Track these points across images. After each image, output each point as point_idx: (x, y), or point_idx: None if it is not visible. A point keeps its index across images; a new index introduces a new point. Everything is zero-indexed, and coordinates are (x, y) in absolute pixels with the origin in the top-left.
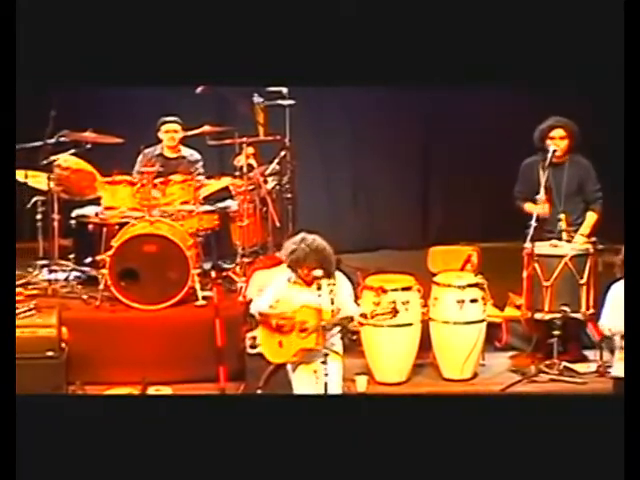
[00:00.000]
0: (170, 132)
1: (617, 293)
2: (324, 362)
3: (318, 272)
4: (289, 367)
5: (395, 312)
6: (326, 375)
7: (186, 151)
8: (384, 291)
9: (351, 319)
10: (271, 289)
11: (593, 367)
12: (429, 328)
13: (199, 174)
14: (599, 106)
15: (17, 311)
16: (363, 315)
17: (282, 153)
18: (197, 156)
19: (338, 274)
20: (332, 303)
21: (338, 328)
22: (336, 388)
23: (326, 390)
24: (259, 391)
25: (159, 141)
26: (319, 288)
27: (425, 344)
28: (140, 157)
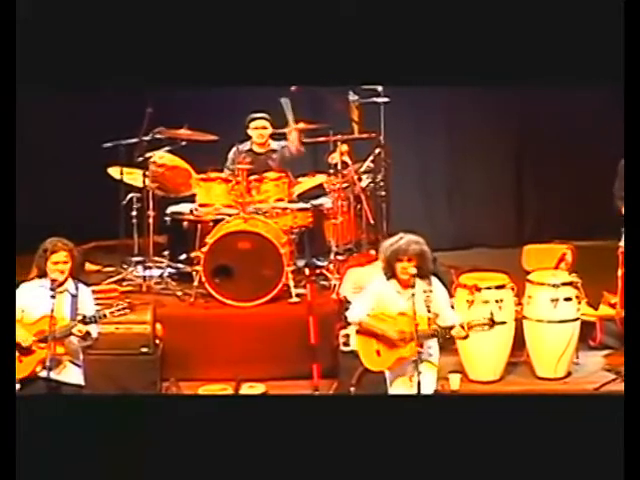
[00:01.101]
0: (259, 128)
1: None
2: (419, 372)
3: (413, 269)
4: (388, 377)
5: (492, 324)
6: (419, 383)
7: (275, 144)
8: (478, 289)
9: (450, 329)
10: (368, 296)
11: None
12: (523, 326)
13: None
14: None
15: (112, 308)
16: (462, 325)
17: (376, 151)
18: (283, 143)
19: (435, 280)
20: (429, 310)
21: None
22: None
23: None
24: (352, 389)
25: (249, 137)
26: (413, 286)
27: (519, 342)
28: (230, 153)
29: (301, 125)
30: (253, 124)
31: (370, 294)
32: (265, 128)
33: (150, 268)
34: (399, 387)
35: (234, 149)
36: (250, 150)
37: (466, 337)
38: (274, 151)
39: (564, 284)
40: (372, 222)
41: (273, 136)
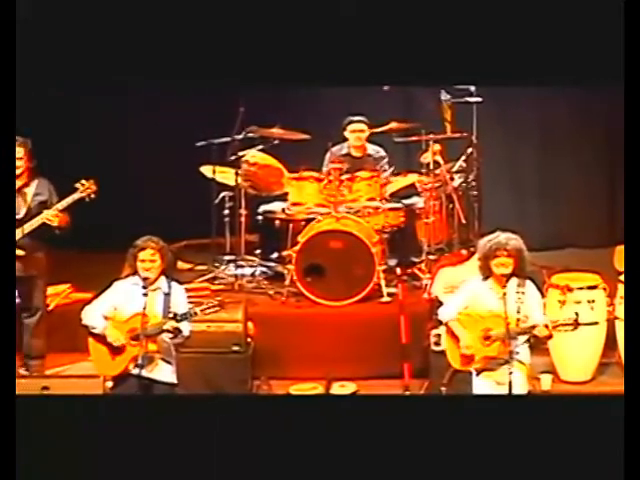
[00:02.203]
0: (356, 132)
1: None
2: (511, 372)
3: (510, 265)
4: (475, 376)
5: (577, 324)
6: (510, 384)
7: (372, 148)
8: (570, 289)
9: (533, 327)
10: (462, 295)
11: None
12: (614, 327)
13: (384, 171)
14: None
15: (203, 306)
16: (545, 325)
17: (469, 150)
18: (382, 153)
19: (529, 283)
20: (518, 311)
21: (525, 337)
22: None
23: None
24: (443, 389)
25: (346, 139)
26: (504, 286)
27: (611, 343)
28: (327, 156)
29: (394, 124)
30: (351, 127)
31: (464, 293)
32: (362, 131)
33: (242, 267)
34: (486, 387)
35: (329, 153)
36: (348, 154)
37: (550, 337)
38: (370, 156)
39: None
40: (464, 222)
41: (370, 137)
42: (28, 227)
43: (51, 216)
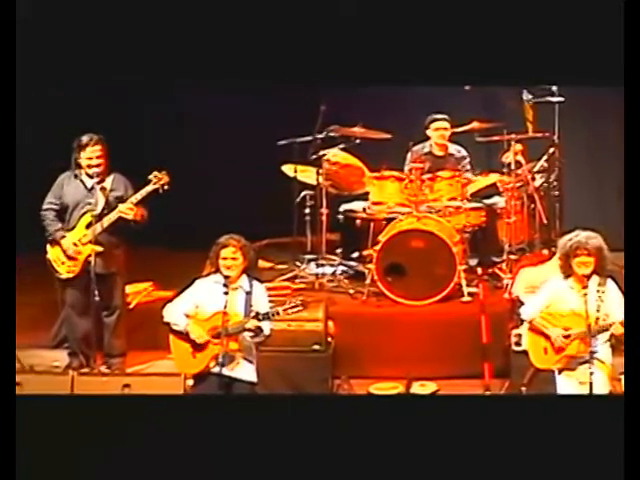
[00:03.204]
0: (440, 130)
1: None
2: (592, 372)
3: (591, 264)
4: (556, 376)
5: None
6: (591, 384)
7: (453, 148)
8: None
9: (611, 325)
10: (543, 295)
11: None
12: None
13: (466, 170)
14: None
15: (285, 306)
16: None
17: (550, 150)
18: (464, 153)
19: (610, 282)
20: (598, 310)
21: (605, 337)
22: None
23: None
24: (523, 389)
25: (427, 138)
26: (585, 285)
27: None
28: (409, 155)
29: (475, 124)
30: (434, 125)
31: (546, 293)
32: (446, 129)
33: (323, 266)
34: (569, 386)
35: (410, 152)
36: (430, 153)
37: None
38: (451, 155)
39: None
40: (545, 222)
41: (451, 137)
42: (106, 222)
43: (126, 209)
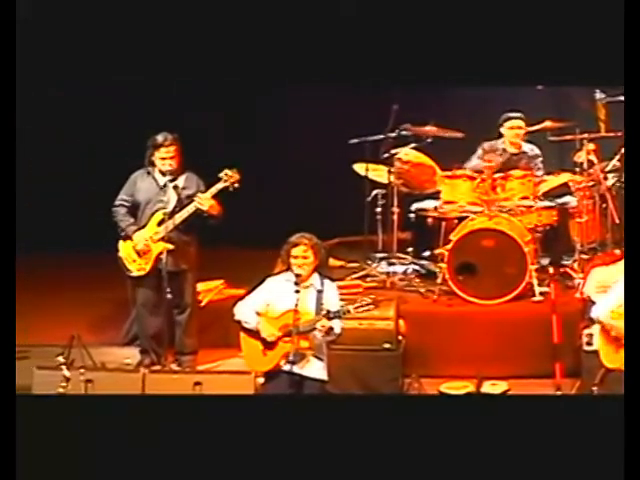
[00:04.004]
0: (514, 128)
1: None
2: None
3: None
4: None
5: None
6: None
7: (526, 146)
8: None
9: None
10: (614, 294)
11: None
12: None
13: (538, 169)
14: None
15: (356, 304)
16: None
17: (623, 150)
18: (537, 151)
19: None
20: None
21: None
22: None
23: None
24: (594, 389)
25: (499, 136)
26: None
27: None
28: (479, 152)
29: (548, 123)
30: (509, 123)
31: (617, 292)
32: (521, 128)
33: (394, 264)
34: None
35: (480, 150)
36: (504, 151)
37: None
38: (525, 153)
39: None
40: (617, 221)
41: (524, 136)
42: (178, 219)
43: (204, 199)
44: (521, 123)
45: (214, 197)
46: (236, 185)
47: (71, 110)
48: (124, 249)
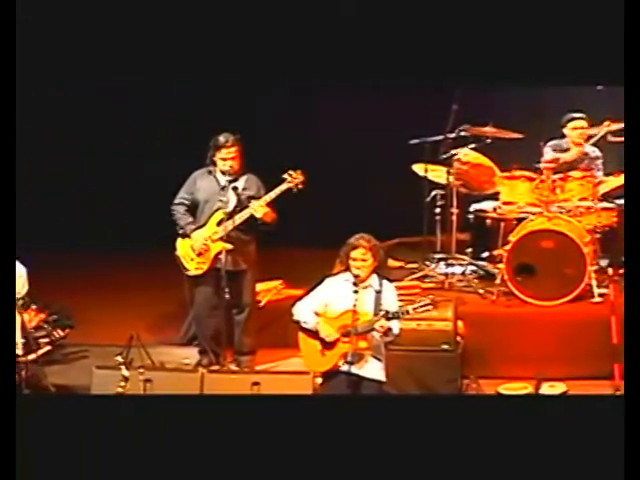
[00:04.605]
0: (578, 129)
1: None
2: None
3: None
4: None
5: None
6: None
7: (588, 148)
8: None
9: None
10: None
11: None
12: None
13: (598, 170)
14: None
15: (415, 305)
16: None
17: None
18: (598, 153)
19: None
20: None
21: None
22: None
23: None
24: None
25: (562, 136)
26: None
27: None
28: (546, 151)
29: (608, 124)
30: (572, 124)
31: None
32: (584, 128)
33: (452, 265)
34: None
35: (547, 148)
36: (567, 150)
37: None
38: (586, 154)
39: None
40: None
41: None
42: (238, 219)
43: (258, 206)
44: (584, 123)
45: (275, 199)
46: (300, 186)
47: (71, 110)
48: (182, 248)
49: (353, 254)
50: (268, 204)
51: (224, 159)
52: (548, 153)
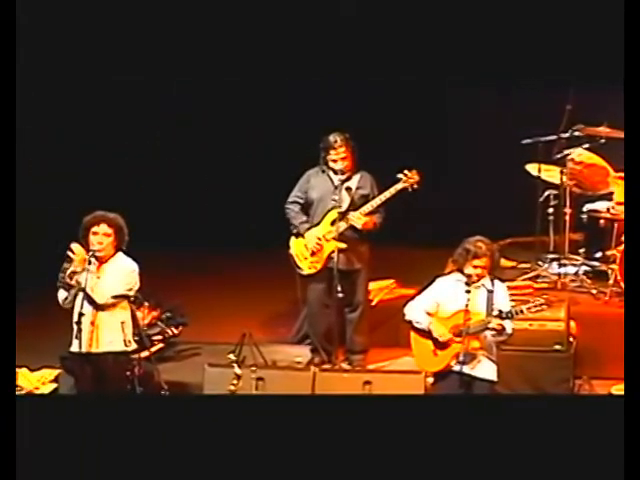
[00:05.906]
0: None
1: None
2: None
3: None
4: None
5: None
6: None
7: None
8: None
9: None
10: None
11: None
12: None
13: None
14: None
15: (529, 304)
16: None
17: None
18: None
19: None
20: None
21: None
22: None
23: None
24: None
25: None
26: None
27: None
28: None
29: None
30: None
31: None
32: None
33: (565, 265)
34: None
35: None
36: None
37: None
38: None
39: None
40: None
41: None
42: (351, 219)
43: (355, 218)
44: None
45: (389, 199)
46: (415, 186)
47: (71, 110)
48: (296, 246)
49: (475, 262)
50: (367, 214)
51: (334, 160)
52: None
